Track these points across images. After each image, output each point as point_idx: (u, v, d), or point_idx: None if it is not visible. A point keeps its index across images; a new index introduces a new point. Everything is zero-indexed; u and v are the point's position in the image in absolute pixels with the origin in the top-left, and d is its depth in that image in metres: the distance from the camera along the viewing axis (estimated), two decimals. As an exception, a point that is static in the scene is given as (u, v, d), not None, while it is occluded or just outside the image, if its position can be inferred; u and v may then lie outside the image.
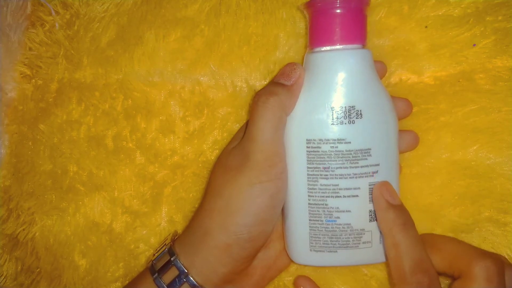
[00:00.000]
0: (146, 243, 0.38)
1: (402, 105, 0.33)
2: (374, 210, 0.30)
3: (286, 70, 0.31)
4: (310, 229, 0.31)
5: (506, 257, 0.33)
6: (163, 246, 0.33)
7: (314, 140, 0.30)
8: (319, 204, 0.31)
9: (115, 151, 0.38)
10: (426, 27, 0.35)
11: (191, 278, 0.30)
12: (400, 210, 0.30)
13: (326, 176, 0.30)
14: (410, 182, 0.35)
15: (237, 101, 0.37)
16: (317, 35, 0.31)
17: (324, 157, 0.30)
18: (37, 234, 0.39)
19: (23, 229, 0.38)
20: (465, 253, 0.29)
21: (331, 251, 0.31)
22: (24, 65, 0.40)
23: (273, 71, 0.37)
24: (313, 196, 0.31)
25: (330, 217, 0.31)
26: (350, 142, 0.29)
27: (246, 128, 0.31)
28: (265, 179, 0.30)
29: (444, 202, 0.35)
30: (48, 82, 0.39)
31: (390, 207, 0.30)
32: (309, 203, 0.31)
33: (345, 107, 0.29)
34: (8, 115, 0.39)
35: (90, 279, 0.38)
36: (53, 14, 0.39)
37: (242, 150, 0.31)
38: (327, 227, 0.31)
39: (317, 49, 0.31)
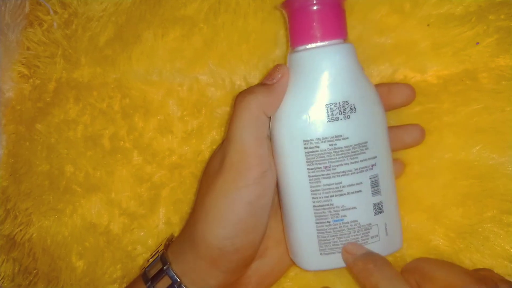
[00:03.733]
0: (143, 245, 0.38)
1: (406, 91, 0.33)
2: (379, 203, 0.30)
3: (270, 72, 0.30)
4: (318, 232, 0.30)
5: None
6: (157, 252, 0.32)
7: (312, 140, 0.29)
8: (324, 205, 0.30)
9: (112, 151, 0.38)
10: (428, 25, 0.35)
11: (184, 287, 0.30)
12: (366, 256, 0.29)
13: (328, 175, 0.29)
14: (412, 182, 0.35)
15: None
16: (298, 34, 0.30)
17: (324, 156, 0.29)
18: (34, 235, 0.38)
19: (20, 230, 0.38)
20: (458, 281, 0.28)
21: (341, 252, 0.30)
22: (22, 64, 0.40)
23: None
24: (317, 198, 0.30)
25: (337, 217, 0.30)
26: (347, 138, 0.29)
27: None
28: (241, 184, 0.28)
29: (447, 202, 0.35)
30: (46, 81, 0.39)
31: (356, 260, 0.29)
32: (313, 206, 0.30)
33: (339, 103, 0.29)
34: (6, 115, 0.39)
35: (88, 280, 0.38)
36: (51, 13, 0.39)
37: (220, 153, 0.30)
38: (335, 228, 0.30)
39: (301, 47, 0.30)
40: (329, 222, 0.30)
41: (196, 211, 0.30)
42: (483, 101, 0.34)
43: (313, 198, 0.30)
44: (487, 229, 0.34)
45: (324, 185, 0.30)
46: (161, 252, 0.32)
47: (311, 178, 0.30)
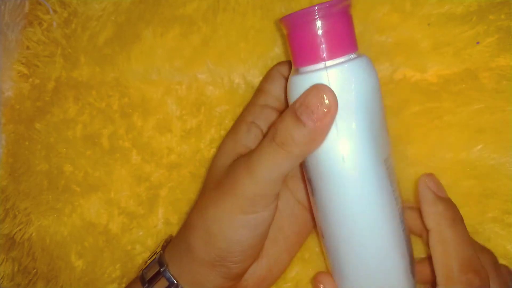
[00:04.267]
0: (142, 245, 0.38)
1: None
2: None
3: (311, 102, 0.24)
4: (409, 257, 0.27)
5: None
6: (154, 254, 0.32)
7: (388, 157, 0.26)
8: (405, 226, 0.27)
9: (110, 150, 0.38)
10: (428, 24, 0.35)
11: None
12: (448, 203, 0.27)
13: (396, 190, 0.27)
14: (415, 183, 0.35)
15: (235, 98, 0.37)
16: (305, 52, 0.25)
17: (392, 171, 0.26)
18: (33, 234, 0.38)
19: (20, 229, 0.38)
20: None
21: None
22: (22, 64, 0.40)
23: (270, 67, 0.36)
24: (403, 221, 0.27)
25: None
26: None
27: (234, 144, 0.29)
28: (250, 211, 0.27)
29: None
30: (45, 81, 0.39)
31: (437, 200, 0.27)
32: (403, 229, 0.27)
33: (383, 112, 0.27)
34: (5, 115, 0.39)
35: (87, 280, 0.38)
36: (51, 12, 0.39)
37: (235, 175, 0.27)
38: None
39: (309, 67, 0.25)
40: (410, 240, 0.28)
41: (194, 218, 0.30)
42: (484, 100, 0.34)
43: (402, 221, 0.27)
44: (489, 229, 0.34)
45: (401, 203, 0.27)
46: (158, 253, 0.31)
47: (396, 200, 0.27)
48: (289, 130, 0.25)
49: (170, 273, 0.30)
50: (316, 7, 0.24)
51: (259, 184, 0.26)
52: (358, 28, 0.35)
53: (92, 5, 0.38)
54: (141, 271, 0.31)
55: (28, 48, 0.39)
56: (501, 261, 0.33)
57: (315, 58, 0.25)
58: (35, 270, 0.38)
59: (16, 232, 0.39)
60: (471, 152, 0.34)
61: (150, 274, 0.31)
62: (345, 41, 0.25)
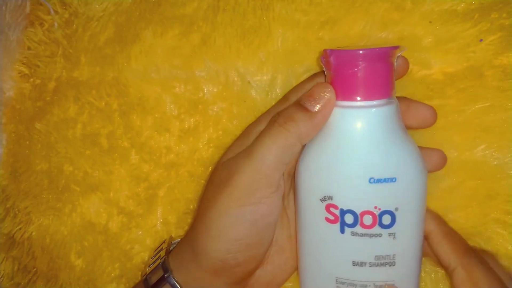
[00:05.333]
0: (141, 245, 0.38)
1: (426, 113, 0.30)
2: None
3: (315, 92, 0.27)
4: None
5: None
6: (158, 257, 0.32)
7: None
8: None
9: (109, 150, 0.38)
10: (430, 22, 0.34)
11: None
12: (477, 251, 0.28)
13: None
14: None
15: (232, 95, 0.37)
16: (341, 88, 0.27)
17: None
18: (33, 233, 0.39)
19: (20, 228, 0.39)
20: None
21: None
22: (23, 64, 0.40)
23: (268, 63, 0.36)
24: None
25: None
26: None
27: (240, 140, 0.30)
28: (246, 202, 0.27)
29: (451, 204, 0.34)
30: (46, 81, 0.39)
31: (468, 251, 0.28)
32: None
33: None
34: (6, 114, 0.40)
35: (86, 279, 0.38)
36: (52, 13, 0.39)
37: (232, 166, 0.28)
38: None
39: (342, 103, 0.27)
40: None
41: (198, 222, 0.29)
42: (489, 98, 0.33)
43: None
44: (490, 229, 0.33)
45: None
46: (163, 258, 0.31)
47: None
48: (291, 113, 0.27)
49: (174, 279, 0.29)
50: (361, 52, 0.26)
51: (256, 166, 0.27)
52: (359, 24, 0.35)
53: (92, 6, 0.39)
54: (145, 276, 0.31)
55: (29, 48, 0.40)
56: (502, 261, 0.32)
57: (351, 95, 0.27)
58: (35, 269, 0.39)
59: (16, 231, 0.39)
60: (474, 152, 0.34)
61: (154, 279, 0.30)
62: (375, 88, 0.27)
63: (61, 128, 0.38)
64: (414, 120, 0.30)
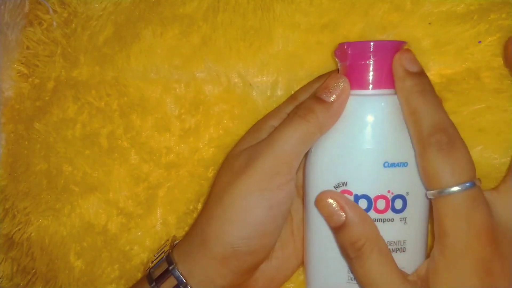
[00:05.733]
0: (140, 245, 0.38)
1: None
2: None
3: (329, 84, 0.29)
4: None
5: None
6: (162, 253, 0.32)
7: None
8: None
9: (109, 150, 0.38)
10: (429, 23, 0.34)
11: None
12: (419, 77, 0.28)
13: None
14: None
15: (233, 97, 0.37)
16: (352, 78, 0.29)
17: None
18: (32, 234, 0.38)
19: (19, 229, 0.38)
20: None
21: None
22: (22, 63, 0.40)
23: (269, 65, 0.36)
24: None
25: None
26: None
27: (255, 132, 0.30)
28: (264, 187, 0.28)
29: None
30: (45, 80, 0.39)
31: (407, 75, 0.27)
32: None
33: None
34: (5, 114, 0.40)
35: (86, 280, 0.38)
36: (51, 12, 0.39)
37: (253, 153, 0.29)
38: None
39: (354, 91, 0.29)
40: None
41: (211, 207, 0.30)
42: (486, 100, 0.34)
43: None
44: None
45: None
46: (167, 252, 0.31)
47: None
48: (310, 105, 0.29)
49: (179, 272, 0.29)
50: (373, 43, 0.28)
51: (278, 153, 0.28)
52: (358, 26, 0.35)
53: (92, 5, 0.38)
54: (148, 270, 0.31)
55: (28, 47, 0.39)
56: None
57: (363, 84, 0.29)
58: (34, 270, 0.38)
59: (15, 232, 0.39)
60: (472, 152, 0.34)
61: (157, 273, 0.30)
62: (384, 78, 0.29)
63: (61, 128, 0.38)
64: None
